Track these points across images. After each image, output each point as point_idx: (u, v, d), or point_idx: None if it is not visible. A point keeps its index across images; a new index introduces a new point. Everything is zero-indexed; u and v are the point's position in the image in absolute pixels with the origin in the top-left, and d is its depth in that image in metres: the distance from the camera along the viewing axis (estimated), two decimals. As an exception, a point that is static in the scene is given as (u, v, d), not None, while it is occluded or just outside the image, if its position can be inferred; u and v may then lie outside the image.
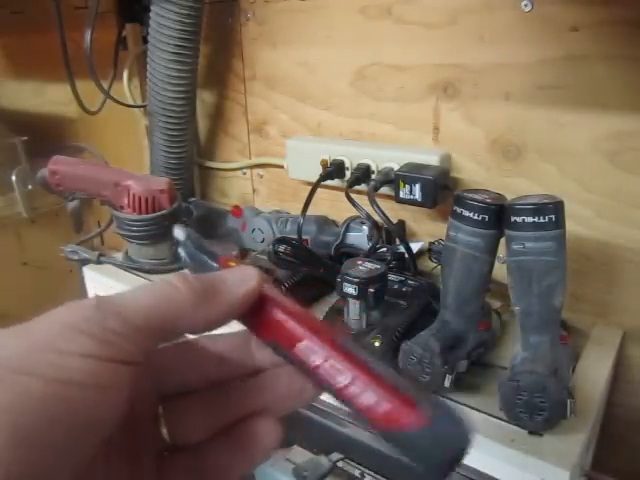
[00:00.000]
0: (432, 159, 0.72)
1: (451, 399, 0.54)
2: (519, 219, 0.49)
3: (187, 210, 0.91)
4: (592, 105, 0.61)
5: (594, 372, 0.58)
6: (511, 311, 0.60)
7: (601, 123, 0.61)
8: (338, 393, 0.19)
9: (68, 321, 0.17)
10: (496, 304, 0.67)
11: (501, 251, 0.53)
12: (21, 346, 0.16)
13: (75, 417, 0.16)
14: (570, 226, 0.51)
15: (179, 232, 0.24)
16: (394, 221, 0.75)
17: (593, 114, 0.61)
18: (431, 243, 0.74)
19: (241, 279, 0.21)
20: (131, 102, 1.03)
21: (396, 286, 0.67)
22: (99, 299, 0.18)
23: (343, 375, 0.19)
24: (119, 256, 0.87)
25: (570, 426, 0.49)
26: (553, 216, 0.48)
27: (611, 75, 0.59)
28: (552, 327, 0.51)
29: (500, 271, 0.56)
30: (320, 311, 0.70)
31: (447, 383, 0.52)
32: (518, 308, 0.51)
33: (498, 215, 0.51)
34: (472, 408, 0.53)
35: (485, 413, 0.52)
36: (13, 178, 1.19)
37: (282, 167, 0.91)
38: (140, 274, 0.84)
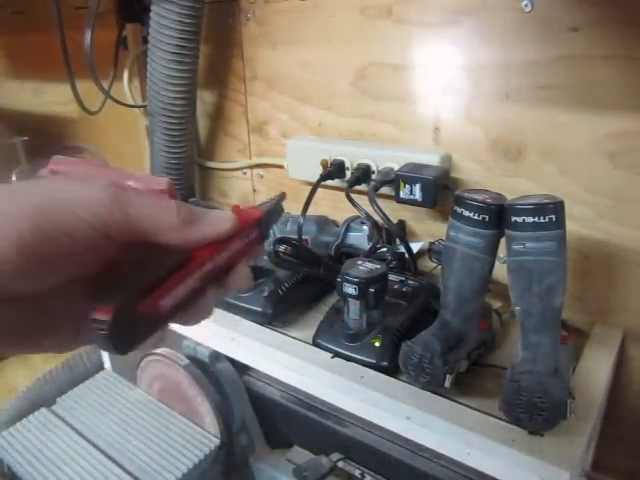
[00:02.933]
0: (432, 159, 0.72)
1: (451, 399, 0.54)
2: (519, 219, 0.49)
3: (187, 210, 0.90)
4: (592, 105, 0.61)
5: (594, 372, 0.58)
6: (511, 311, 0.61)
7: (602, 123, 0.61)
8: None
9: (91, 198, 0.23)
10: (496, 304, 0.67)
11: (501, 251, 0.53)
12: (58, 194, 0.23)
13: (71, 240, 0.22)
14: (570, 226, 0.50)
15: None
16: (394, 221, 0.74)
17: (593, 114, 0.61)
18: (431, 243, 0.74)
19: (219, 220, 0.27)
20: (131, 102, 1.03)
21: (396, 286, 0.67)
22: (115, 194, 0.24)
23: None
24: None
25: (570, 426, 0.49)
26: (553, 216, 0.48)
27: (612, 75, 0.59)
28: (552, 327, 0.51)
29: (500, 271, 0.56)
30: (320, 311, 0.70)
31: (447, 383, 0.52)
32: (518, 308, 0.51)
33: (498, 215, 0.51)
34: (472, 408, 0.53)
35: (485, 413, 0.52)
36: (13, 178, 1.19)
37: (282, 167, 0.91)
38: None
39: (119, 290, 0.24)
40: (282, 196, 0.36)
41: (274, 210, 0.34)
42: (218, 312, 0.71)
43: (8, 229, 0.21)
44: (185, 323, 0.28)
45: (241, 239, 0.29)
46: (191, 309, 0.27)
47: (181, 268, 0.26)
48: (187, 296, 0.26)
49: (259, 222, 0.31)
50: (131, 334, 0.24)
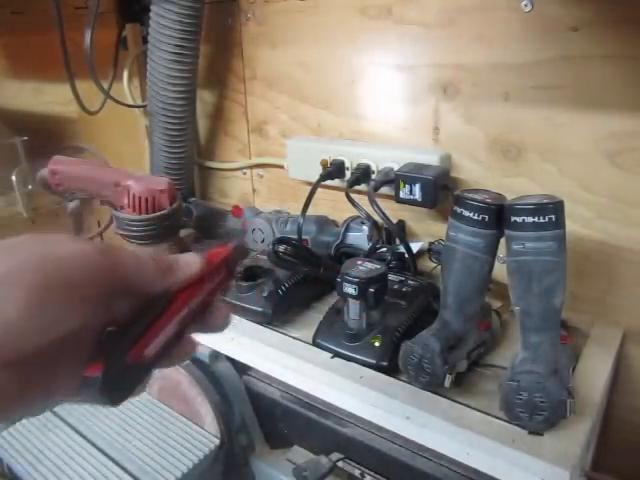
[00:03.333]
0: (432, 159, 0.72)
1: (451, 399, 0.54)
2: (519, 219, 0.49)
3: (187, 210, 0.91)
4: (592, 105, 0.61)
5: (594, 372, 0.58)
6: (511, 311, 0.61)
7: (601, 123, 0.61)
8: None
9: (84, 258, 0.25)
10: (496, 304, 0.67)
11: (501, 251, 0.53)
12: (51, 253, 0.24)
13: (70, 295, 0.24)
14: (570, 226, 0.50)
15: None
16: (394, 221, 0.74)
17: (593, 114, 0.61)
18: (431, 243, 0.74)
19: (189, 263, 0.30)
20: (131, 102, 1.03)
21: (396, 286, 0.67)
22: (104, 252, 0.26)
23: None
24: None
25: (570, 426, 0.49)
26: (553, 216, 0.48)
27: (611, 75, 0.59)
28: (552, 327, 0.50)
29: (500, 271, 0.56)
30: (320, 311, 0.70)
31: (447, 383, 0.52)
32: (518, 308, 0.51)
33: (498, 215, 0.51)
34: (472, 408, 0.53)
35: (485, 413, 0.52)
36: (13, 178, 1.19)
37: (282, 167, 0.91)
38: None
39: (104, 345, 0.26)
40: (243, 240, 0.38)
41: (241, 249, 0.36)
42: None
43: (16, 288, 0.22)
44: (169, 365, 0.29)
45: (212, 280, 0.32)
46: (174, 352, 0.29)
47: (160, 316, 0.28)
48: (169, 340, 0.28)
49: (226, 261, 0.34)
50: (121, 386, 0.25)
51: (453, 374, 0.53)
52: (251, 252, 0.86)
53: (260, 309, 0.68)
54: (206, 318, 0.31)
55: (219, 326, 0.32)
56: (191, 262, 0.30)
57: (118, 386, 0.25)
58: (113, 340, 0.26)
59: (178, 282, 0.29)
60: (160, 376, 0.84)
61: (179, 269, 0.29)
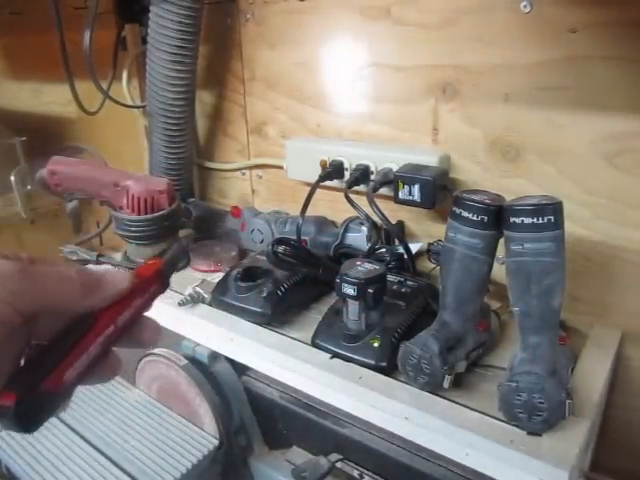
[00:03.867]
0: (431, 160, 0.71)
1: (450, 400, 0.54)
2: (518, 220, 0.49)
3: (186, 211, 0.91)
4: (591, 106, 0.61)
5: (593, 373, 0.58)
6: (510, 312, 0.60)
7: (600, 124, 0.61)
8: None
9: (2, 272, 0.25)
10: (495, 305, 0.67)
11: (500, 252, 0.53)
12: None
13: None
14: (569, 227, 0.50)
15: None
16: (393, 222, 0.74)
17: (592, 115, 0.61)
18: (430, 244, 0.74)
19: (117, 280, 0.29)
20: (130, 102, 1.02)
21: (395, 287, 0.66)
22: (23, 271, 0.25)
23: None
24: (118, 256, 0.87)
25: (569, 427, 0.49)
26: (552, 217, 0.48)
27: (610, 76, 0.59)
28: (551, 328, 0.50)
29: (499, 272, 0.55)
30: (319, 311, 0.70)
31: (446, 384, 0.52)
32: (517, 309, 0.51)
33: (497, 216, 0.51)
34: (471, 409, 0.53)
35: (484, 414, 0.52)
36: (12, 178, 1.19)
37: (281, 168, 0.91)
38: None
39: (21, 372, 0.25)
40: (188, 239, 0.36)
41: (176, 257, 0.35)
42: (217, 312, 0.71)
43: None
44: (93, 384, 0.29)
45: (142, 295, 0.31)
46: (97, 370, 0.28)
47: (84, 336, 0.27)
48: (92, 361, 0.27)
49: (159, 274, 0.33)
50: (35, 413, 0.25)
51: (452, 375, 0.53)
52: (250, 253, 0.86)
53: (259, 310, 0.68)
54: (134, 334, 0.30)
55: (148, 342, 0.31)
56: (118, 279, 0.29)
57: (33, 414, 0.24)
58: (29, 366, 0.25)
59: (104, 299, 0.28)
60: (159, 376, 0.84)
61: (105, 286, 0.29)
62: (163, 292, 0.33)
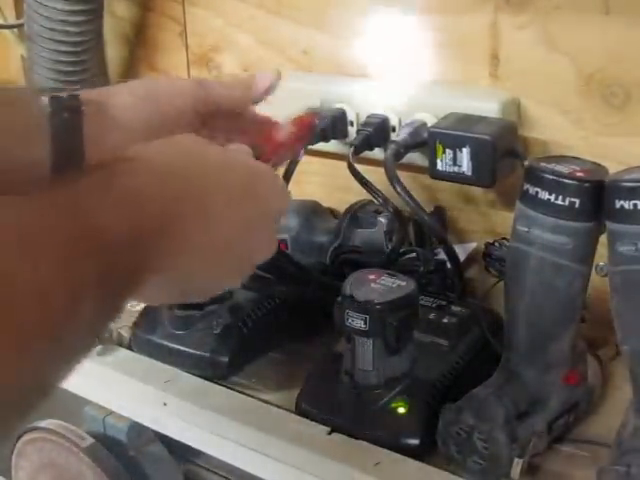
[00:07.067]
0: (489, 107, 0.59)
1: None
2: (629, 205, 0.41)
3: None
4: None
5: None
6: (619, 354, 0.53)
7: None
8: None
9: (182, 89, 0.43)
10: (594, 342, 0.56)
11: (601, 256, 0.46)
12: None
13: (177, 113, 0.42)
14: None
15: None
16: (428, 209, 0.62)
17: None
18: (488, 244, 0.61)
19: (262, 77, 0.46)
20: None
21: (432, 315, 0.57)
22: (200, 86, 0.43)
23: None
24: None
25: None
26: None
27: None
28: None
29: (602, 286, 0.48)
30: (307, 357, 0.58)
31: (516, 473, 0.45)
32: (627, 347, 0.45)
33: (596, 199, 0.44)
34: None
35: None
36: None
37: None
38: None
39: None
40: None
41: (323, 115, 0.56)
42: (141, 360, 0.59)
43: (136, 120, 0.39)
44: None
45: (298, 139, 0.45)
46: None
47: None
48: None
49: (312, 127, 0.48)
50: None
51: (525, 457, 0.45)
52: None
53: (208, 354, 0.56)
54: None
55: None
56: (264, 76, 0.44)
57: None
58: None
59: (259, 94, 0.44)
60: (49, 464, 0.71)
61: (257, 82, 0.44)
62: (310, 144, 0.51)
